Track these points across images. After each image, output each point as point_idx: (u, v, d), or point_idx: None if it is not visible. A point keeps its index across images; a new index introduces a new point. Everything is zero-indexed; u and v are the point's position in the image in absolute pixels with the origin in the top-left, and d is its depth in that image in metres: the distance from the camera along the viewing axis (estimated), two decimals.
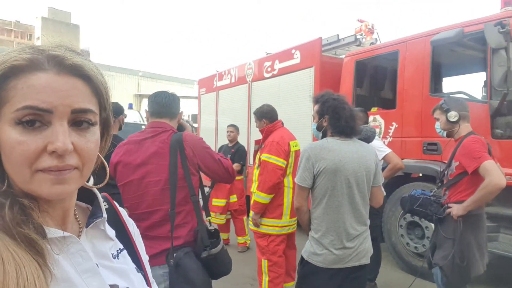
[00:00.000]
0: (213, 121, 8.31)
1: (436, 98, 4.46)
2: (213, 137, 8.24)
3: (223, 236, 5.50)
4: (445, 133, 2.85)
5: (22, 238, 0.54)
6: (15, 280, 0.50)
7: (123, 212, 0.85)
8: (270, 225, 3.27)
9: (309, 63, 5.89)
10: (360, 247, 2.18)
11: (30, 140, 0.55)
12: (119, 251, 0.75)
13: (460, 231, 2.57)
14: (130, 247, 0.81)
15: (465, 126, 2.78)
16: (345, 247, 2.14)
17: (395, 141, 4.86)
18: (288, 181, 3.30)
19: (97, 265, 0.67)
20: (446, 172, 2.86)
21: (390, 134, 4.95)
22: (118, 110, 3.55)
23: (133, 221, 0.87)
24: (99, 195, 0.76)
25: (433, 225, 4.14)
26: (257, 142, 3.59)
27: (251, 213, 3.32)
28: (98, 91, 0.64)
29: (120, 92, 26.54)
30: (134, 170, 1.90)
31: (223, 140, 7.17)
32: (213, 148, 7.88)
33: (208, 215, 2.09)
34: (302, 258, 2.28)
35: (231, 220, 5.49)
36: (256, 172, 3.42)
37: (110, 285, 0.67)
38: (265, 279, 3.28)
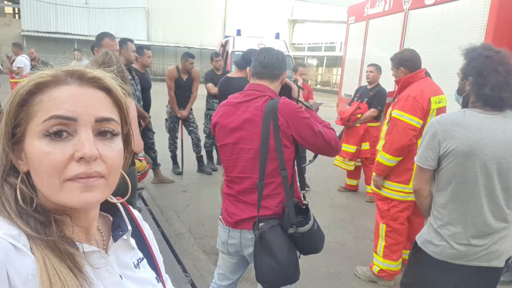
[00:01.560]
0: (360, 53, 7.68)
1: None
2: (358, 70, 7.68)
3: (351, 182, 5.38)
4: None
5: (66, 254, 0.58)
6: None
7: (139, 217, 0.86)
8: (394, 190, 2.93)
9: None
10: (493, 247, 1.76)
11: (57, 150, 0.58)
12: (139, 260, 0.77)
13: None
14: (148, 254, 0.83)
15: None
16: (471, 244, 1.76)
17: None
18: None
19: (121, 276, 0.70)
20: None
21: None
22: (248, 62, 3.58)
23: (147, 225, 0.88)
24: (119, 205, 0.78)
25: None
26: (390, 94, 3.13)
27: (373, 173, 3.02)
28: (118, 103, 0.67)
29: (273, 17, 26.45)
30: (229, 134, 1.86)
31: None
32: (356, 83, 7.53)
33: (303, 188, 1.95)
34: (415, 243, 1.99)
35: (362, 168, 5.21)
36: (384, 128, 3.03)
37: None
38: (381, 243, 3.05)
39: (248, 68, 1.98)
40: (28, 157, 0.60)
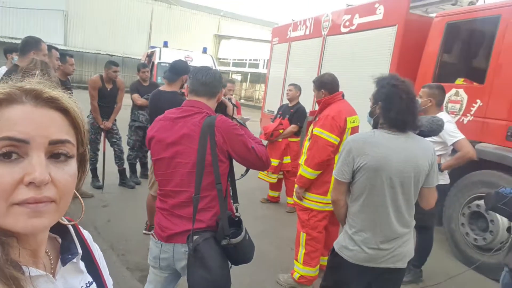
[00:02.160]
0: (283, 72, 8.10)
1: None
2: (281, 88, 8.07)
3: (273, 194, 5.61)
4: None
5: (11, 279, 0.54)
6: None
7: (89, 238, 0.83)
8: (313, 201, 3.18)
9: (392, 21, 5.31)
10: (398, 250, 2.03)
11: (6, 173, 0.55)
12: (88, 284, 0.75)
13: None
14: (97, 277, 0.80)
15: None
16: (379, 248, 2.00)
17: (476, 121, 4.31)
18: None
19: None
20: None
21: (472, 113, 4.38)
22: (182, 70, 3.57)
23: (97, 246, 0.85)
24: (70, 227, 0.75)
25: (500, 219, 3.79)
26: (311, 113, 3.40)
27: (296, 185, 3.24)
28: (76, 124, 0.64)
29: (200, 31, 26.59)
30: (166, 148, 1.89)
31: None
32: (278, 99, 7.89)
33: (236, 201, 2.04)
34: (333, 249, 2.20)
35: (283, 181, 5.48)
36: (306, 144, 3.27)
37: None
38: (302, 251, 3.26)
39: (186, 85, 2.04)
40: None
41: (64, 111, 0.62)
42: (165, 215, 1.94)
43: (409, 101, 1.90)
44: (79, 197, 0.72)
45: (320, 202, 3.16)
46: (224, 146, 1.85)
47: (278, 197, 5.68)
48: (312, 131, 3.15)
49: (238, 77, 29.91)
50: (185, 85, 2.04)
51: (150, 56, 11.53)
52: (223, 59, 28.21)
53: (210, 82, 1.94)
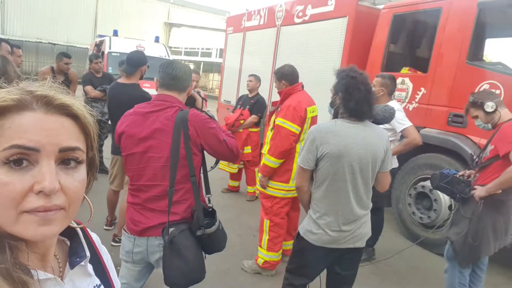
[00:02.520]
0: (238, 62, 8.13)
1: (473, 67, 4.16)
2: (237, 78, 8.11)
3: (234, 183, 5.70)
4: (489, 125, 2.77)
5: (20, 283, 0.54)
6: None
7: (97, 241, 0.84)
8: (277, 188, 3.30)
9: (343, 12, 5.52)
10: (357, 231, 2.19)
11: (16, 180, 0.55)
12: (96, 287, 0.75)
13: (478, 212, 2.62)
14: (106, 280, 0.80)
15: (505, 112, 2.75)
16: (341, 230, 2.15)
17: (420, 108, 4.64)
18: (300, 147, 3.24)
19: None
20: (481, 155, 2.84)
21: (417, 100, 4.71)
22: (141, 61, 3.50)
23: (105, 248, 0.86)
24: (78, 230, 0.75)
25: (442, 198, 4.15)
26: (274, 103, 3.49)
27: (259, 174, 3.33)
28: (86, 130, 0.64)
29: (149, 19, 25.71)
30: (138, 143, 1.89)
31: (246, 82, 7.05)
32: (234, 90, 7.93)
33: (208, 192, 2.09)
34: (298, 233, 2.32)
35: (244, 170, 5.58)
36: (269, 134, 3.37)
37: None
38: (265, 237, 3.38)
39: (155, 78, 2.04)
40: None
41: (75, 117, 0.62)
42: (138, 209, 1.95)
43: (366, 92, 2.05)
44: (88, 200, 0.72)
45: (282, 190, 3.28)
46: (197, 139, 1.88)
47: (238, 186, 5.77)
48: (274, 121, 3.25)
49: (191, 67, 29.41)
50: (155, 79, 2.04)
51: (99, 45, 11.03)
52: (174, 47, 27.60)
53: (180, 76, 1.95)
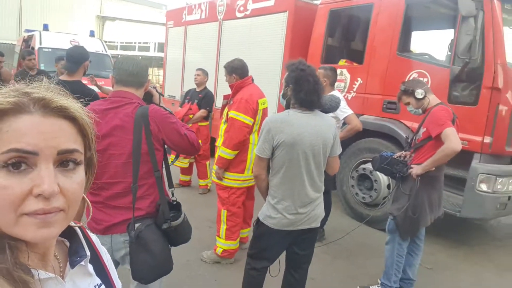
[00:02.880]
0: (181, 56, 8.05)
1: (403, 58, 4.57)
2: (180, 72, 8.04)
3: (185, 178, 5.72)
4: (420, 110, 3.08)
5: (20, 282, 0.55)
6: None
7: (96, 241, 0.84)
8: (232, 179, 3.41)
9: (283, 7, 5.72)
10: (312, 213, 2.37)
11: (15, 184, 0.55)
12: (97, 286, 0.76)
13: (416, 188, 2.91)
14: (106, 280, 0.81)
15: (433, 98, 3.05)
16: (298, 213, 2.32)
17: (358, 97, 5.00)
18: (253, 138, 3.39)
19: None
20: (414, 137, 3.14)
21: (354, 90, 5.06)
22: (83, 57, 3.39)
23: (105, 249, 0.86)
24: (78, 229, 0.76)
25: (381, 179, 4.53)
26: (225, 97, 3.58)
27: (215, 167, 3.42)
28: (84, 132, 0.65)
29: (80, 13, 24.24)
30: (97, 141, 1.88)
31: (190, 77, 7.01)
32: (179, 86, 7.86)
33: (171, 186, 2.13)
34: (258, 219, 2.46)
35: (194, 164, 5.62)
36: (222, 127, 3.46)
37: None
38: (223, 227, 3.50)
39: (111, 75, 2.03)
40: None
41: (73, 119, 0.62)
42: (99, 207, 1.93)
43: (315, 83, 2.22)
44: (86, 199, 0.73)
45: (238, 180, 3.41)
46: (159, 134, 1.91)
47: (190, 180, 5.80)
48: (227, 114, 3.35)
49: None
50: (110, 76, 2.03)
51: (27, 41, 10.27)
52: (109, 42, 26.37)
53: (137, 72, 1.95)
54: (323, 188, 2.43)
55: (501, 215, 4.12)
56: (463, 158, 3.94)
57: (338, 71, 5.11)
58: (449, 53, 4.52)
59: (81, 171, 0.63)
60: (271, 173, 2.36)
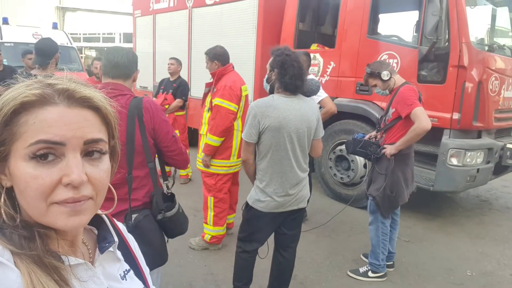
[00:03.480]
0: (150, 46, 7.90)
1: (372, 40, 4.69)
2: (151, 62, 7.89)
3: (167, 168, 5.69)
4: (387, 91, 3.18)
5: (52, 268, 0.57)
6: None
7: (123, 229, 0.86)
8: (219, 166, 3.45)
9: None
10: (299, 194, 2.45)
11: (44, 174, 0.56)
12: (126, 272, 0.77)
13: (391, 167, 3.01)
14: (134, 265, 0.82)
15: (398, 78, 3.14)
16: (287, 195, 2.39)
17: (332, 80, 5.11)
18: (237, 124, 3.42)
19: None
20: (384, 118, 3.23)
21: (328, 73, 5.17)
22: (53, 49, 3.29)
23: (132, 237, 0.88)
24: (105, 217, 0.78)
25: (358, 159, 4.69)
26: (208, 84, 3.58)
27: (202, 154, 3.44)
28: (107, 121, 0.66)
29: (37, 4, 23.06)
30: None
31: (161, 66, 6.89)
32: (151, 77, 7.73)
33: (165, 179, 2.13)
34: (247, 203, 2.51)
35: None
36: (206, 115, 3.47)
37: None
38: (210, 214, 3.54)
39: (98, 67, 2.00)
40: (13, 178, 0.59)
41: (96, 109, 0.63)
42: None
43: (299, 68, 2.28)
44: (112, 188, 0.75)
45: (224, 166, 3.45)
46: (151, 125, 1.92)
47: (170, 171, 5.77)
48: (211, 102, 3.36)
49: (93, 53, 27.41)
50: (98, 67, 2.01)
51: None
52: (72, 34, 25.39)
53: (123, 62, 1.93)
54: (308, 169, 2.51)
55: (471, 187, 4.37)
56: (433, 134, 4.13)
57: (311, 55, 5.21)
58: (416, 34, 4.69)
59: (106, 160, 0.65)
60: (258, 158, 2.41)
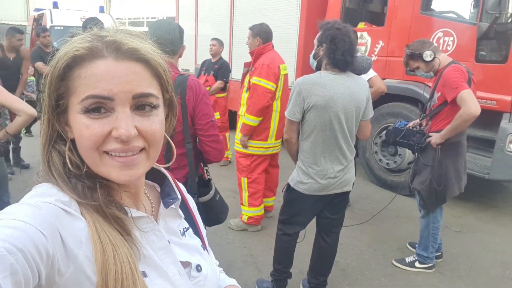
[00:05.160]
0: (193, 28, 7.90)
1: (426, 16, 4.38)
2: (193, 45, 7.90)
3: None
4: (431, 73, 2.88)
5: (114, 218, 0.60)
6: (113, 261, 0.56)
7: (183, 189, 0.87)
8: (255, 147, 3.39)
9: None
10: (344, 177, 2.33)
11: (96, 124, 0.58)
12: (185, 229, 0.79)
13: (438, 158, 2.76)
14: (193, 224, 0.84)
15: (443, 57, 2.84)
16: (330, 177, 2.28)
17: (380, 60, 4.84)
18: (276, 105, 3.33)
19: (169, 241, 0.71)
20: (429, 103, 2.95)
21: (376, 53, 4.91)
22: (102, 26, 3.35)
23: (191, 197, 0.90)
24: (169, 176, 0.80)
25: None
26: (246, 64, 3.50)
27: (240, 135, 3.39)
28: (158, 73, 0.64)
29: None
30: None
31: (203, 49, 6.89)
32: (193, 59, 7.76)
33: (205, 165, 2.07)
34: (288, 185, 2.43)
35: None
36: (244, 95, 3.41)
37: (183, 262, 0.72)
38: (245, 194, 3.51)
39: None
40: (72, 129, 0.61)
41: (145, 61, 0.61)
42: None
43: (350, 43, 2.12)
44: (170, 142, 0.75)
45: (261, 147, 3.39)
46: (193, 104, 1.86)
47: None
48: (249, 81, 3.28)
49: None
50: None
51: (38, 20, 10.16)
52: (118, 18, 26.06)
53: (170, 39, 1.85)
54: (355, 151, 2.38)
55: None
56: (491, 118, 3.84)
57: (358, 34, 4.96)
58: (475, 9, 4.31)
59: (159, 113, 0.64)
60: (301, 138, 2.30)
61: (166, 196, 0.76)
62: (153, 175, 0.79)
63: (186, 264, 0.73)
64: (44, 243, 0.51)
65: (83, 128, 0.58)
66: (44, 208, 0.55)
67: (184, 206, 0.84)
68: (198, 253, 0.78)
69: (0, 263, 0.45)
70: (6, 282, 0.44)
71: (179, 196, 0.77)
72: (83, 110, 0.58)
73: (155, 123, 0.62)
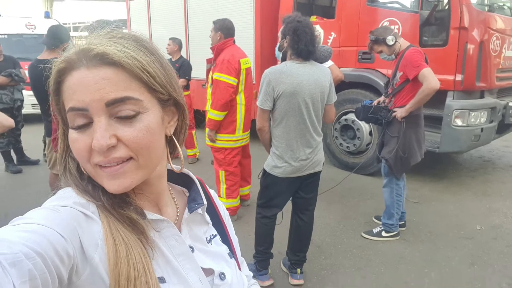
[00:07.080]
0: (146, 30, 7.83)
1: (373, 7, 4.69)
2: None
3: None
4: (393, 56, 3.21)
5: (124, 219, 0.59)
6: (126, 260, 0.55)
7: (214, 196, 0.86)
8: (224, 140, 3.52)
9: None
10: (315, 158, 2.52)
11: (81, 138, 0.57)
12: (212, 237, 0.77)
13: (403, 129, 3.09)
14: (222, 232, 0.82)
15: (402, 41, 3.16)
16: (302, 159, 2.46)
17: (333, 51, 5.08)
18: (240, 98, 3.47)
19: (193, 248, 0.70)
20: (392, 82, 3.27)
21: (329, 44, 5.17)
22: (67, 36, 3.33)
23: (223, 204, 0.88)
24: (196, 180, 0.78)
25: (363, 127, 4.76)
26: (208, 61, 3.61)
27: (207, 130, 3.50)
28: (137, 74, 0.57)
29: None
30: None
31: (160, 49, 6.85)
32: None
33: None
34: (264, 170, 2.59)
35: None
36: (209, 91, 3.52)
37: (205, 269, 0.70)
38: (223, 187, 3.63)
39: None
40: None
41: (117, 64, 0.56)
42: None
43: (311, 34, 2.31)
44: (177, 144, 0.70)
45: (230, 140, 3.52)
46: None
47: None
48: (212, 76, 3.40)
49: None
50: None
51: None
52: (63, 23, 24.93)
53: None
54: (322, 134, 2.57)
55: (476, 146, 4.46)
56: (437, 97, 4.20)
57: None
58: None
59: (146, 117, 0.58)
60: (273, 124, 2.47)
61: (192, 201, 0.75)
62: (183, 180, 0.79)
63: (209, 272, 0.71)
64: (63, 245, 0.50)
65: (72, 142, 0.58)
66: (62, 210, 0.55)
67: (214, 212, 0.82)
68: (224, 260, 0.76)
69: (17, 268, 0.43)
70: None
71: (205, 201, 0.75)
72: (70, 124, 0.58)
73: (139, 129, 0.57)
